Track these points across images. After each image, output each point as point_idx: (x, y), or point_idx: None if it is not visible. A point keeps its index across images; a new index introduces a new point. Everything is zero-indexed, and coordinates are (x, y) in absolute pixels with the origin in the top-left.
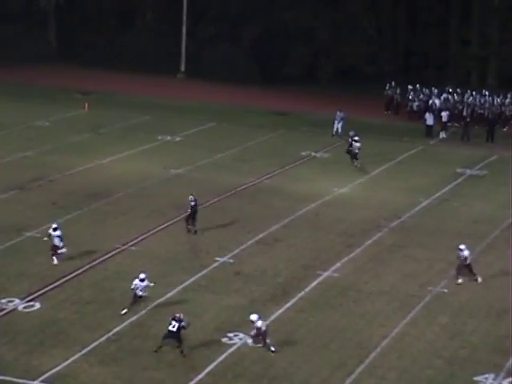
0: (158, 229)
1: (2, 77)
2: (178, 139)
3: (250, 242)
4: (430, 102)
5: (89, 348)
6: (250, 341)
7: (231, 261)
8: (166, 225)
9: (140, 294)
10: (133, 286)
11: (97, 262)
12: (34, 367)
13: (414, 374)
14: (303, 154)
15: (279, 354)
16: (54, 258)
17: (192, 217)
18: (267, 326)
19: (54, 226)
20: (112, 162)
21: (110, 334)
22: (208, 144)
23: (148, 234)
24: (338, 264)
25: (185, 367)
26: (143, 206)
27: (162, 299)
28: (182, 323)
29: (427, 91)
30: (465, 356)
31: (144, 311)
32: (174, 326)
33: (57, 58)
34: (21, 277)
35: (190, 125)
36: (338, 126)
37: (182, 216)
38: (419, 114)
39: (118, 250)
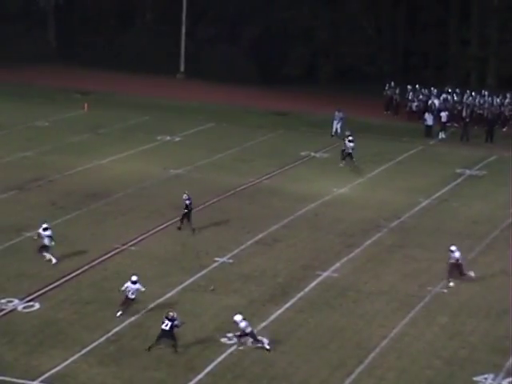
0: (157, 229)
1: (2, 77)
2: (177, 139)
3: (249, 242)
4: (430, 102)
5: (88, 348)
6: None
7: (231, 261)
8: (165, 225)
9: (132, 297)
10: (123, 288)
11: (96, 262)
12: (33, 367)
13: (414, 374)
14: (302, 154)
15: (279, 355)
16: (52, 257)
17: (187, 215)
18: (251, 326)
19: (45, 225)
20: (111, 162)
21: (110, 334)
22: (207, 144)
23: (147, 235)
24: (338, 264)
25: (184, 367)
26: (142, 207)
27: (161, 299)
28: (175, 322)
29: (426, 91)
30: (464, 356)
31: (143, 312)
32: (166, 325)
33: (56, 58)
34: (20, 277)
35: (189, 125)
36: (337, 126)
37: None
38: (418, 115)
39: (118, 250)
